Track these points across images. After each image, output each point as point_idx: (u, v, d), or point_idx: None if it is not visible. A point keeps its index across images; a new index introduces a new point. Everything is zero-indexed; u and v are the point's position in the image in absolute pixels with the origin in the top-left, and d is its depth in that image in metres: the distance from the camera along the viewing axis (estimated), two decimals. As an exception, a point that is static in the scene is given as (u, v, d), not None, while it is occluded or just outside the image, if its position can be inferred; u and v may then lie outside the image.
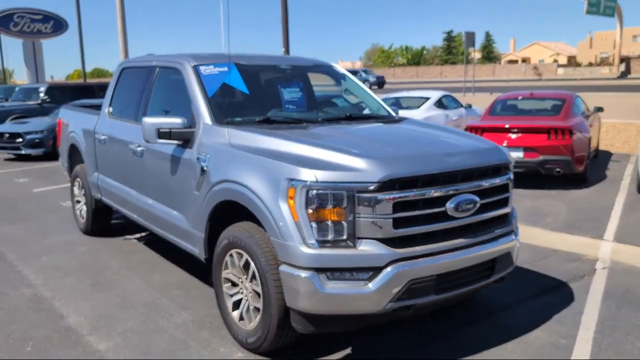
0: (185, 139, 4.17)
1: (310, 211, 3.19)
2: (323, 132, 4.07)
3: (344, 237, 3.19)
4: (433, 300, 3.41)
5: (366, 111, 5.17)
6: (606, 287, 4.77)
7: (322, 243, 3.19)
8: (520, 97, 10.47)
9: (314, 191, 3.17)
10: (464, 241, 3.50)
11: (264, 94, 4.84)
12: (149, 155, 4.69)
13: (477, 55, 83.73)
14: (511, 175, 3.89)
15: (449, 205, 3.40)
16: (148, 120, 4.12)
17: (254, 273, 3.54)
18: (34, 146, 13.56)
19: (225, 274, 3.85)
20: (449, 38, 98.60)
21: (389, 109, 5.10)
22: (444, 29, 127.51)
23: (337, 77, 5.33)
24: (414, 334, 4.00)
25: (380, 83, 48.68)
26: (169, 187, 4.44)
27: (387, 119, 4.78)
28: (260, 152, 3.60)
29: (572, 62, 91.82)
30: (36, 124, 13.95)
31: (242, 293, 3.77)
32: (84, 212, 6.66)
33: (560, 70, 73.44)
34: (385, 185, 3.20)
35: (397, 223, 3.23)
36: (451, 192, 3.42)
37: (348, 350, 3.79)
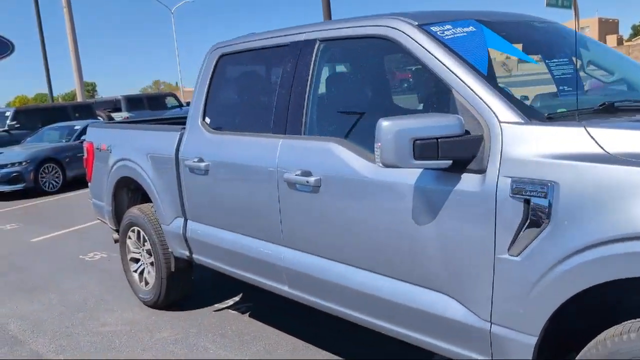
0: (464, 157, 2.19)
1: None
2: None
3: None
4: None
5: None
6: None
7: None
8: None
9: None
10: None
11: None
12: (349, 190, 2.66)
13: None
14: None
15: None
16: (390, 124, 2.14)
17: None
18: (11, 181, 11.11)
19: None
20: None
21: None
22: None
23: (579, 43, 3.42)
24: None
25: None
26: (412, 249, 2.42)
27: None
28: None
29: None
30: (11, 155, 11.50)
31: None
32: (149, 277, 4.53)
33: None
34: None
35: None
36: None
37: None
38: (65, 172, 11.82)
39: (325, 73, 3.02)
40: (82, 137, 12.44)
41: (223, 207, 3.52)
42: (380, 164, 2.20)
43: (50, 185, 11.55)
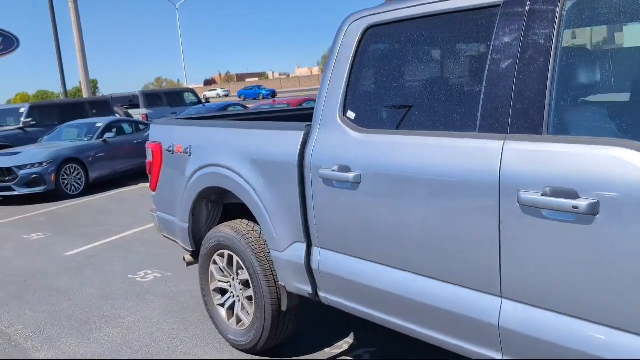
0: None
1: None
2: None
3: None
4: None
5: None
6: None
7: None
8: None
9: None
10: None
11: None
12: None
13: None
14: None
15: None
16: None
17: None
18: (30, 184, 10.15)
19: None
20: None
21: None
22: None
23: None
24: None
25: None
26: None
27: None
28: None
29: None
30: (30, 155, 10.52)
31: None
32: (244, 314, 3.56)
33: None
34: None
35: None
36: None
37: None
38: (88, 174, 10.86)
39: (580, 42, 2.05)
40: (105, 135, 11.49)
41: (386, 235, 2.54)
42: None
43: (73, 188, 10.59)
